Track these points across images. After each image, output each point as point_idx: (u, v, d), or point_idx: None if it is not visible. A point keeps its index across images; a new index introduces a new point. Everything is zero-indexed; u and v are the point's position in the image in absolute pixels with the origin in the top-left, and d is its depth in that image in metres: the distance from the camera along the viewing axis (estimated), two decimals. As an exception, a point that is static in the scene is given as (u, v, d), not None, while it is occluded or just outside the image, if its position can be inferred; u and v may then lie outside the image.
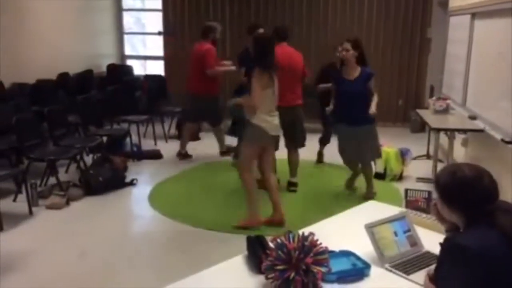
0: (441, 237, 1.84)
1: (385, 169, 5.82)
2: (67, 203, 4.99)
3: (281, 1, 9.03)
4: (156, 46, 10.01)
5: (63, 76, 7.82)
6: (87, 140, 6.26)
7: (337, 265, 2.01)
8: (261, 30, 5.42)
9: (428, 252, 2.22)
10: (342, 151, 5.18)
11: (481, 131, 4.82)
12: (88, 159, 6.14)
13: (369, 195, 4.97)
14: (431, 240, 2.16)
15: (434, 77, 7.84)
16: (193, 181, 5.79)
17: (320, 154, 6.48)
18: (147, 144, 7.24)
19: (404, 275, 2.05)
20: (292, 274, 1.83)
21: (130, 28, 10.51)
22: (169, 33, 9.60)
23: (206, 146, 6.86)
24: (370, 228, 2.19)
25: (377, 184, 5.63)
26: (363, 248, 2.18)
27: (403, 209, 2.81)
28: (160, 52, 9.87)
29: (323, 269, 1.89)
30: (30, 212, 4.75)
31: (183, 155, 6.69)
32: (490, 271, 1.58)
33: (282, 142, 5.25)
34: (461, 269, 1.61)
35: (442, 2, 7.67)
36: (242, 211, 4.48)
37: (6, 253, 3.90)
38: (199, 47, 6.37)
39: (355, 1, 8.80)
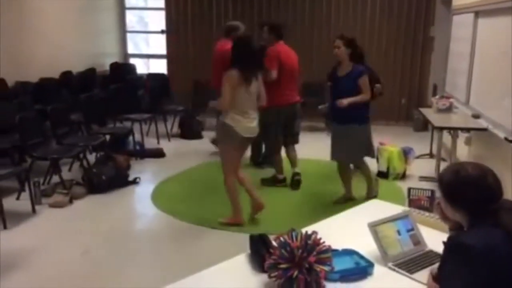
0: (444, 236, 1.83)
1: (388, 168, 5.82)
2: (70, 202, 5.00)
3: (284, 0, 9.02)
4: (159, 44, 10.02)
5: (66, 74, 7.84)
6: (90, 138, 6.26)
7: (340, 264, 2.01)
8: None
9: (431, 251, 2.22)
10: (331, 150, 4.98)
11: (484, 129, 4.81)
12: (91, 157, 6.14)
13: (370, 195, 4.90)
14: (434, 239, 2.16)
15: (437, 76, 7.83)
16: (196, 180, 5.79)
17: None
18: (150, 143, 7.25)
19: (407, 274, 2.05)
20: (295, 273, 1.83)
21: (133, 27, 10.52)
22: (170, 31, 9.60)
23: (208, 144, 6.85)
24: (373, 227, 2.19)
25: (380, 182, 5.63)
26: (366, 247, 2.17)
27: (406, 208, 2.80)
28: (163, 51, 9.87)
29: (326, 268, 1.89)
30: (33, 211, 4.76)
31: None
32: (494, 270, 1.58)
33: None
34: (465, 268, 1.60)
35: (445, 1, 7.65)
36: (244, 209, 4.48)
37: (9, 251, 3.91)
38: (220, 46, 6.30)
39: (358, 0, 8.78)
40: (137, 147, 6.75)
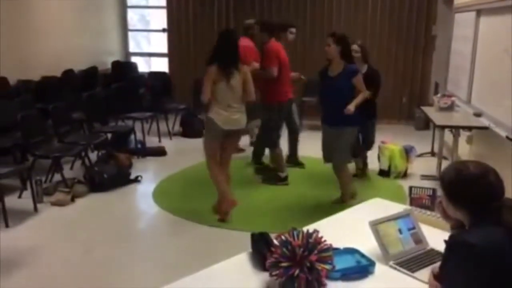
0: (445, 235, 1.83)
1: (389, 167, 5.82)
2: (72, 200, 5.01)
3: (286, -3, 9.03)
4: (161, 43, 10.02)
5: (68, 73, 7.84)
6: (92, 137, 6.27)
7: (341, 263, 2.01)
8: (293, 30, 5.86)
9: (432, 250, 2.22)
10: (323, 153, 4.84)
11: (486, 128, 4.81)
12: (93, 156, 6.15)
13: (340, 200, 4.79)
14: (436, 237, 2.15)
15: (438, 74, 7.82)
16: (197, 178, 5.78)
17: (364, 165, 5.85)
18: (152, 141, 7.25)
19: (408, 272, 2.05)
20: (297, 272, 1.83)
21: (134, 25, 10.52)
22: (168, 30, 9.59)
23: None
24: (375, 225, 2.19)
25: (381, 181, 5.65)
26: (368, 245, 2.18)
27: (408, 207, 2.80)
28: (165, 49, 9.87)
29: (328, 267, 1.89)
30: (35, 209, 4.77)
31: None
32: (496, 268, 1.58)
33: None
34: (467, 267, 1.60)
35: (447, -1, 7.64)
36: (245, 209, 4.48)
37: (11, 250, 3.92)
38: None
39: (360, -2, 8.78)
40: (139, 146, 6.76)
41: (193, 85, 8.72)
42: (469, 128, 5.40)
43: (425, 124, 8.07)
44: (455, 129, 5.50)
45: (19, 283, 3.51)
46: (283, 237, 1.94)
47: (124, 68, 9.35)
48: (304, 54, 8.75)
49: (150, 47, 10.78)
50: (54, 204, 4.91)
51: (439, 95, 6.27)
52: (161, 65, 10.00)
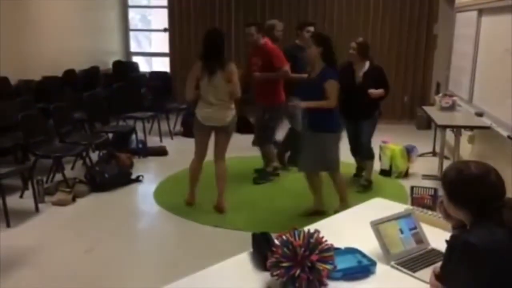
0: (447, 235, 1.83)
1: (390, 166, 5.82)
2: (73, 200, 5.01)
3: (287, -4, 9.03)
4: (162, 43, 10.02)
5: (69, 73, 7.85)
6: (93, 137, 6.27)
7: (342, 262, 2.01)
8: (311, 28, 5.69)
9: (434, 250, 2.21)
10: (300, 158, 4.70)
11: (487, 128, 4.80)
12: (94, 155, 6.16)
13: (313, 209, 4.56)
14: (437, 237, 2.15)
15: (440, 74, 7.81)
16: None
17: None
18: (153, 141, 7.25)
19: (410, 272, 2.05)
20: (298, 271, 1.83)
21: (135, 25, 10.53)
22: (168, 30, 9.60)
23: (211, 143, 6.84)
24: (376, 225, 2.19)
25: (383, 181, 5.64)
26: (369, 245, 2.17)
27: (409, 207, 2.80)
28: (166, 49, 9.87)
29: (329, 266, 1.88)
30: (37, 209, 4.77)
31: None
32: (498, 268, 1.58)
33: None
34: (468, 267, 1.60)
35: (448, -2, 7.63)
36: (246, 208, 4.48)
37: (13, 249, 3.92)
38: None
39: (361, -3, 8.78)
40: (140, 146, 6.76)
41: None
42: (471, 128, 5.39)
43: (427, 123, 8.07)
44: (457, 129, 5.50)
45: (20, 282, 3.51)
46: (284, 237, 1.93)
47: (125, 68, 9.35)
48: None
49: (151, 47, 10.79)
50: (55, 204, 4.92)
51: (440, 94, 6.27)
52: (162, 65, 10.01)
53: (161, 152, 6.83)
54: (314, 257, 1.85)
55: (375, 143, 5.74)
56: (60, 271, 3.67)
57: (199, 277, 2.04)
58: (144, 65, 10.22)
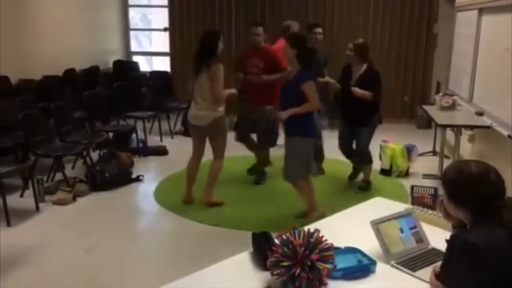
0: (447, 234, 1.83)
1: (391, 166, 5.82)
2: (74, 199, 5.02)
3: (287, -4, 9.02)
4: (162, 42, 10.02)
5: (70, 72, 7.85)
6: (93, 136, 6.27)
7: (342, 262, 2.01)
8: (318, 29, 5.73)
9: (434, 249, 2.21)
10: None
11: (487, 127, 4.80)
12: (95, 155, 6.16)
13: (302, 215, 4.44)
14: (437, 236, 2.15)
15: (440, 73, 7.81)
16: (198, 177, 5.78)
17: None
18: (153, 140, 7.25)
19: (409, 271, 2.05)
20: (298, 271, 1.83)
21: (136, 24, 10.53)
22: (168, 29, 9.60)
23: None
24: (376, 224, 2.19)
25: (383, 180, 5.65)
26: (369, 244, 2.17)
27: (409, 206, 2.80)
28: (166, 48, 9.87)
29: (329, 266, 1.89)
30: (37, 208, 4.78)
31: None
32: (498, 268, 1.58)
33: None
34: (468, 266, 1.60)
35: (449, -2, 7.63)
36: (246, 208, 4.49)
37: (13, 249, 3.93)
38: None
39: (361, -3, 8.77)
40: (140, 145, 6.76)
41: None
42: (471, 127, 5.39)
43: (427, 123, 8.06)
44: (457, 128, 5.49)
45: (20, 282, 3.51)
46: (284, 236, 1.94)
47: (125, 67, 9.35)
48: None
49: (151, 46, 10.78)
50: (55, 203, 4.92)
51: (440, 94, 6.27)
52: (163, 64, 10.00)
53: (161, 151, 6.83)
54: (314, 256, 1.85)
55: (375, 142, 5.75)
56: (60, 270, 3.68)
57: (199, 276, 2.05)
58: (145, 65, 10.22)
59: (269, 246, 2.01)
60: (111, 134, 6.51)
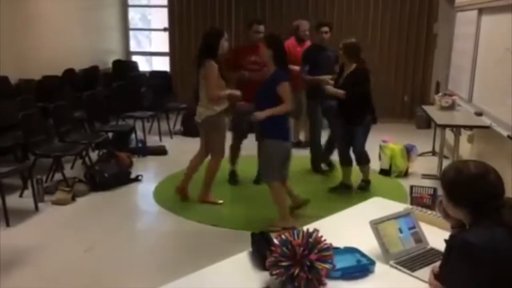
0: (446, 234, 1.83)
1: (390, 166, 5.82)
2: (73, 199, 5.01)
3: (287, -4, 9.02)
4: (162, 42, 10.01)
5: (69, 72, 7.85)
6: (93, 136, 6.27)
7: (341, 262, 2.01)
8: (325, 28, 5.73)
9: (433, 249, 2.21)
10: None
11: (487, 127, 4.80)
12: (94, 155, 6.15)
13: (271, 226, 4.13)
14: (436, 236, 2.15)
15: (440, 73, 7.81)
16: (198, 177, 5.78)
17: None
18: (152, 140, 7.25)
19: (408, 272, 2.05)
20: (297, 271, 1.83)
21: (135, 24, 10.52)
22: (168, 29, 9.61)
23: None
24: (375, 224, 2.19)
25: (382, 180, 5.65)
26: (368, 244, 2.17)
27: (408, 206, 2.80)
28: (166, 48, 9.87)
29: (328, 266, 1.89)
30: (36, 208, 4.77)
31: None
32: (497, 268, 1.58)
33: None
34: (467, 266, 1.60)
35: (448, -2, 7.63)
36: (245, 208, 4.49)
37: (12, 248, 3.92)
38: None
39: (361, -3, 8.77)
40: (140, 145, 6.76)
41: (195, 84, 8.74)
42: (470, 127, 5.39)
43: (426, 123, 8.06)
44: (456, 128, 5.49)
45: (20, 282, 3.51)
46: (283, 236, 1.94)
47: (125, 67, 9.35)
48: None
49: (151, 46, 10.78)
50: (55, 203, 4.92)
51: (440, 94, 6.26)
52: (162, 64, 10.00)
53: (160, 151, 6.83)
54: (313, 257, 1.85)
55: (375, 142, 5.75)
56: (59, 270, 3.67)
57: (198, 276, 2.04)
58: (144, 65, 10.22)
59: (268, 246, 2.00)
60: (110, 134, 6.51)
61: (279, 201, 4.30)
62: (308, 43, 6.21)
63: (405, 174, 5.82)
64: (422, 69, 8.80)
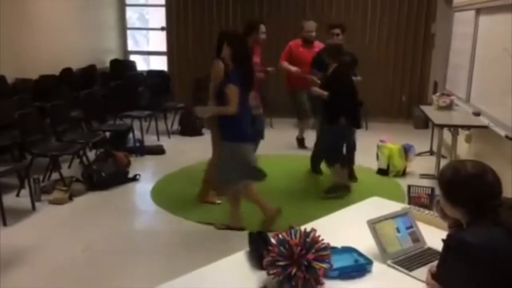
0: (443, 234, 1.83)
1: (388, 165, 5.81)
2: (70, 198, 5.00)
3: (285, -4, 9.01)
4: (159, 41, 10.00)
5: (66, 71, 7.83)
6: (90, 135, 6.26)
7: (339, 261, 2.00)
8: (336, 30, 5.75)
9: (430, 249, 2.21)
10: None
11: (485, 127, 4.80)
12: (91, 154, 6.15)
13: (223, 226, 4.29)
14: (434, 236, 2.15)
15: (438, 73, 7.82)
16: (195, 177, 5.76)
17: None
18: (150, 140, 7.25)
19: (406, 271, 2.05)
20: (294, 270, 1.83)
21: (133, 24, 10.51)
22: (165, 28, 9.60)
23: (208, 141, 6.84)
24: (373, 224, 2.18)
25: (380, 180, 5.65)
26: (366, 244, 2.17)
27: (406, 205, 2.80)
28: (163, 48, 9.86)
29: (325, 265, 1.88)
30: (33, 207, 4.76)
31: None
32: (494, 267, 1.58)
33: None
34: (465, 266, 1.60)
35: (446, -2, 7.63)
36: (243, 207, 4.46)
37: (9, 248, 3.91)
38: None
39: (359, -3, 8.77)
40: (137, 144, 6.75)
41: (192, 84, 8.75)
42: (468, 127, 5.40)
43: (424, 123, 8.07)
44: (454, 128, 5.50)
45: (17, 281, 3.50)
46: (280, 236, 1.93)
47: (122, 67, 9.34)
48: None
49: (148, 45, 10.76)
50: (52, 202, 4.90)
51: (438, 94, 6.27)
52: (160, 64, 9.98)
53: (158, 151, 6.82)
54: (310, 256, 1.85)
55: (373, 142, 5.75)
56: (56, 269, 3.66)
57: (196, 276, 2.04)
58: (142, 64, 10.21)
59: (266, 246, 2.00)
60: (107, 134, 6.50)
61: (232, 205, 4.30)
62: (317, 44, 6.19)
63: (403, 173, 5.82)
64: (420, 69, 8.80)
